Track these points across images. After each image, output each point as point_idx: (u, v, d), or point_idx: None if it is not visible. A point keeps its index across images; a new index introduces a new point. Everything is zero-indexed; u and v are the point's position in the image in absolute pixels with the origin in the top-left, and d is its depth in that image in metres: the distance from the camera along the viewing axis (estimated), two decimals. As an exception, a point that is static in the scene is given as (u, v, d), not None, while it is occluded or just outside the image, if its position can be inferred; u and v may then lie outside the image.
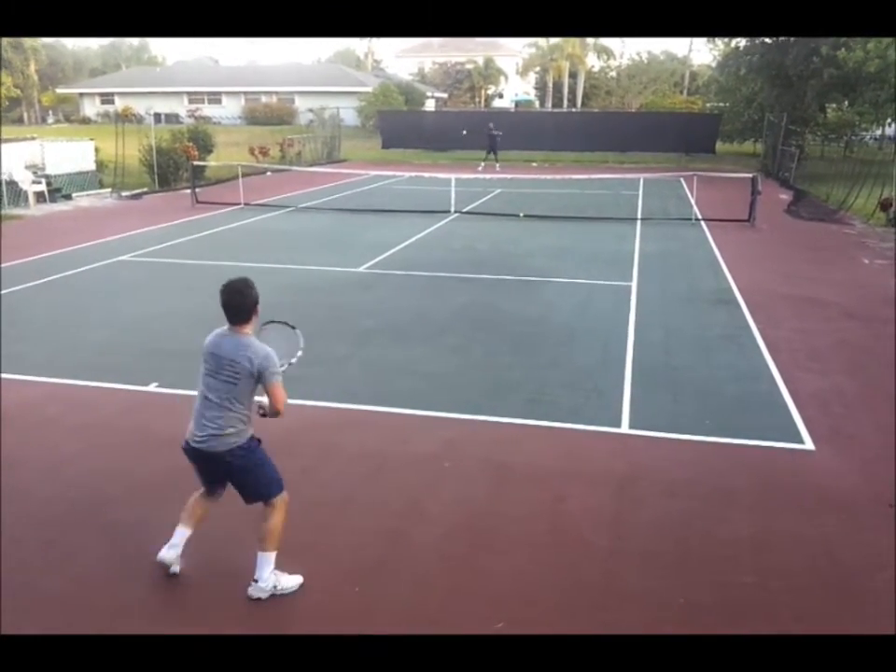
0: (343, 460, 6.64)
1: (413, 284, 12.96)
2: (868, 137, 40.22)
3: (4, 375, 8.34)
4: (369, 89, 57.64)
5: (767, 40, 33.46)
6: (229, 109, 62.19)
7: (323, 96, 52.60)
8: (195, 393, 7.48)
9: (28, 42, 68.27)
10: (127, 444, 6.89)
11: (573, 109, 65.41)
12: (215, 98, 64.40)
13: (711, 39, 40.87)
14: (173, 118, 55.37)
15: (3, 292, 11.86)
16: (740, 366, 9.02)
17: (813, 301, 12.02)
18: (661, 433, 7.13)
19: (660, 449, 6.88)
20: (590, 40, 70.66)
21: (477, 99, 77.10)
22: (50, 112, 71.63)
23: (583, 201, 23.80)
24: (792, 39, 31.41)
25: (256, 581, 4.74)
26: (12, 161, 21.72)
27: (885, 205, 19.95)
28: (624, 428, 7.26)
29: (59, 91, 70.72)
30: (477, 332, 10.20)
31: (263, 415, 4.74)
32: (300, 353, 5.08)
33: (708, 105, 50.72)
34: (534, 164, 37.30)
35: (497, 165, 33.76)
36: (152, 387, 8.13)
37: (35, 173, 22.54)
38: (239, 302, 4.62)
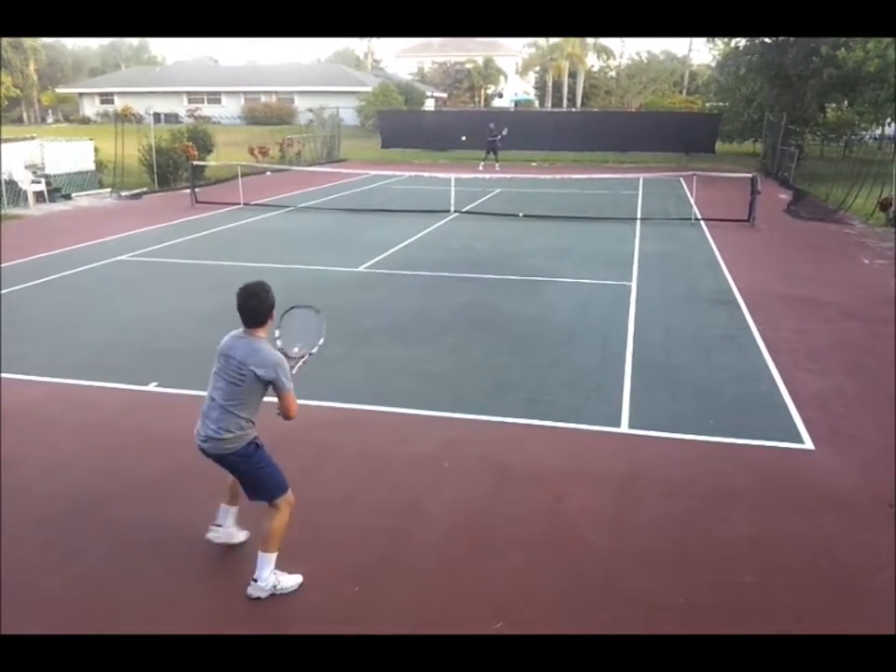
0: (343, 460, 6.64)
1: (413, 283, 12.96)
2: (868, 137, 40.26)
3: (3, 375, 8.34)
4: (368, 88, 57.64)
5: (767, 40, 33.47)
6: (228, 109, 62.18)
7: (323, 96, 52.60)
8: (194, 393, 7.52)
9: (28, 42, 68.26)
10: (126, 444, 6.89)
11: (573, 109, 65.42)
12: (214, 98, 64.40)
13: (711, 39, 40.89)
14: (172, 117, 55.36)
15: (2, 292, 11.86)
16: (740, 366, 9.02)
17: (813, 301, 12.02)
18: (661, 433, 7.13)
19: (660, 449, 6.88)
20: (590, 40, 70.67)
21: (477, 99, 77.10)
22: (50, 112, 71.66)
23: (583, 200, 23.80)
24: (792, 39, 31.43)
25: (255, 581, 4.74)
26: (12, 161, 21.70)
27: (884, 205, 19.95)
28: (624, 428, 7.26)
29: (58, 90, 70.72)
30: (477, 332, 10.20)
31: (279, 414, 4.77)
32: (321, 340, 5.11)
33: (708, 104, 50.71)
34: (533, 164, 37.30)
35: (497, 165, 33.77)
36: (151, 387, 8.12)
37: (34, 172, 22.53)
38: (255, 306, 4.62)
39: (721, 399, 8.01)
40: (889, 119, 34.31)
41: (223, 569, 5.09)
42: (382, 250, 15.47)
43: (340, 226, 19.10)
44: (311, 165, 33.10)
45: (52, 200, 22.67)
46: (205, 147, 28.47)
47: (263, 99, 63.06)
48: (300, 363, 5.05)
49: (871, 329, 10.56)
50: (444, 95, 73.39)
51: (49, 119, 69.39)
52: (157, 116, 42.15)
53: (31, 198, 22.03)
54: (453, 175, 22.57)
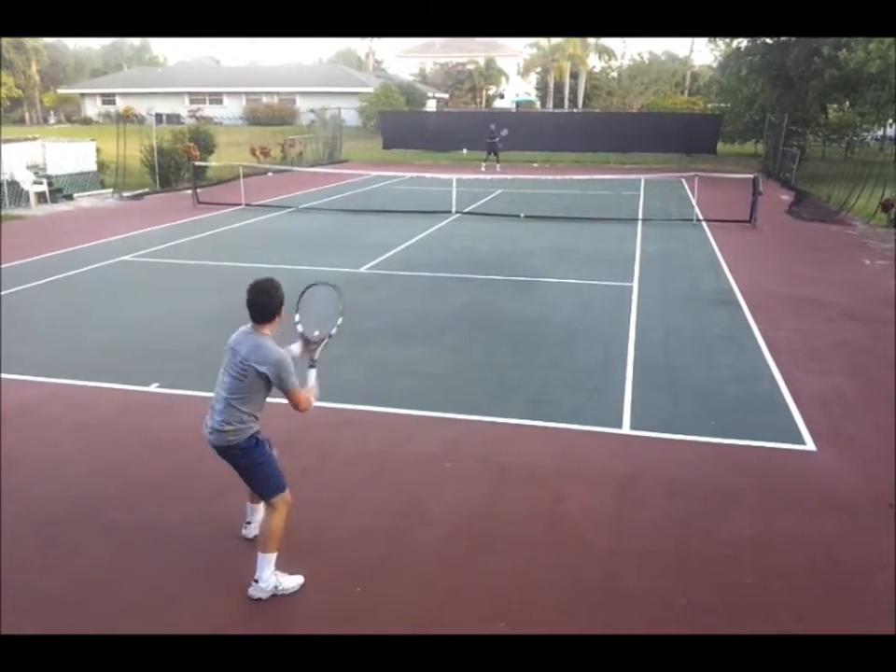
0: (344, 460, 6.64)
1: (415, 284, 12.97)
2: (869, 138, 40.29)
3: (4, 375, 8.35)
4: (370, 89, 57.66)
5: (768, 41, 33.48)
6: (230, 110, 62.23)
7: (324, 97, 52.59)
8: (196, 394, 7.55)
9: (30, 42, 68.38)
10: (127, 444, 6.89)
11: (574, 110, 65.41)
12: (216, 98, 64.44)
13: (712, 40, 40.89)
14: (174, 118, 55.39)
15: (4, 293, 11.87)
16: (741, 366, 9.02)
17: (814, 302, 12.01)
18: (662, 433, 7.13)
19: (660, 449, 6.87)
20: (591, 41, 70.67)
21: (478, 99, 77.11)
22: (52, 112, 71.71)
23: (584, 201, 23.80)
24: (794, 39, 31.43)
25: (256, 582, 4.75)
26: (14, 162, 21.74)
27: (886, 206, 19.94)
28: (625, 429, 7.26)
29: (60, 91, 70.78)
30: (478, 333, 10.20)
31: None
32: (340, 320, 5.14)
33: (710, 105, 50.77)
34: (535, 165, 37.29)
35: (498, 166, 33.78)
36: (153, 388, 8.13)
37: (36, 173, 22.56)
38: (264, 302, 4.67)
39: (722, 399, 8.01)
40: (890, 120, 34.32)
41: (223, 570, 5.09)
42: (383, 251, 15.47)
43: (341, 227, 19.11)
44: (312, 166, 33.11)
45: (54, 200, 22.70)
46: (207, 147, 28.49)
47: (265, 100, 63.10)
48: (321, 346, 5.07)
49: (871, 329, 10.55)
50: (446, 96, 73.42)
51: (51, 120, 69.44)
52: (158, 116, 42.17)
53: (33, 198, 22.06)
54: (454, 176, 22.57)
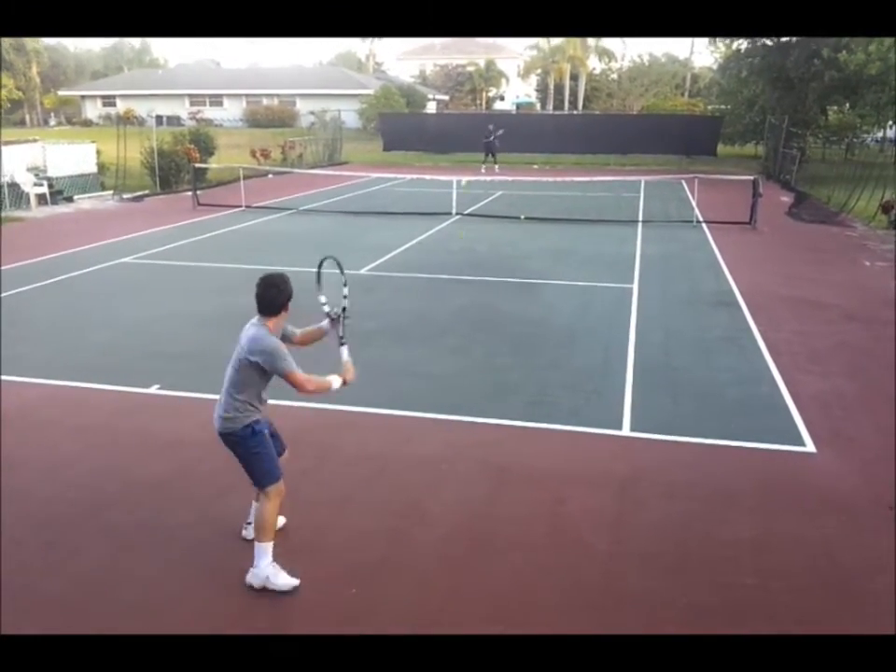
0: (344, 461, 6.64)
1: (415, 286, 12.97)
2: (869, 140, 40.28)
3: (4, 377, 8.35)
4: (370, 91, 57.67)
5: (768, 42, 33.51)
6: (230, 112, 62.27)
7: (324, 98, 52.60)
8: (196, 395, 7.56)
9: (30, 44, 68.45)
10: (127, 446, 6.89)
11: (574, 111, 65.48)
12: (216, 100, 64.48)
13: (713, 41, 40.90)
14: (174, 120, 55.45)
15: (4, 294, 11.87)
16: (741, 368, 9.02)
17: (814, 304, 12.02)
18: (662, 435, 7.12)
19: (661, 451, 6.87)
20: (591, 42, 70.72)
21: (478, 101, 77.16)
22: (52, 114, 71.76)
23: (584, 203, 23.81)
24: (794, 41, 31.46)
25: (253, 568, 4.89)
26: (14, 163, 21.76)
27: (886, 208, 19.95)
28: (625, 430, 7.25)
29: (61, 93, 70.83)
30: (478, 334, 10.20)
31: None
32: (346, 290, 5.11)
33: (710, 107, 50.75)
34: (535, 167, 37.30)
35: (496, 167, 33.79)
36: (153, 389, 8.12)
37: (36, 175, 22.58)
38: (273, 296, 4.78)
39: (722, 401, 8.01)
40: (890, 122, 34.29)
41: (223, 571, 5.09)
42: (384, 253, 15.48)
43: (341, 228, 19.12)
44: (312, 168, 33.11)
45: (54, 202, 22.72)
46: (207, 149, 28.50)
47: (265, 101, 63.12)
48: (342, 324, 5.10)
49: (871, 330, 10.55)
50: (446, 98, 73.46)
51: (52, 122, 69.48)
52: (159, 118, 42.14)
53: (33, 200, 22.08)
54: (454, 178, 22.57)
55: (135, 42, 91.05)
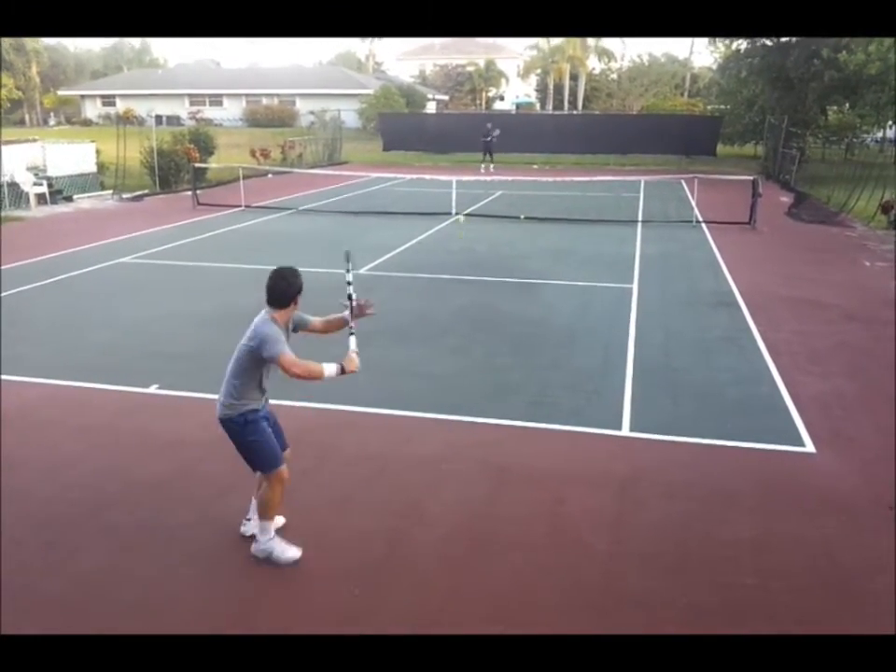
0: (344, 461, 6.64)
1: (415, 286, 12.97)
2: (869, 140, 40.29)
3: (4, 377, 8.35)
4: (370, 91, 57.67)
5: (768, 42, 33.52)
6: (230, 111, 62.26)
7: (324, 98, 52.61)
8: (196, 395, 7.56)
9: (30, 44, 68.43)
10: (127, 446, 6.89)
11: (574, 112, 65.48)
12: (216, 100, 64.47)
13: (712, 41, 40.90)
14: (174, 120, 55.46)
15: (4, 294, 11.87)
16: (741, 368, 9.02)
17: (813, 304, 12.02)
18: (661, 435, 7.12)
19: (660, 451, 6.87)
20: (591, 42, 70.71)
21: (478, 101, 77.17)
22: (52, 114, 71.73)
23: (584, 203, 23.80)
24: (794, 41, 31.46)
25: (256, 541, 5.09)
26: (14, 163, 21.77)
27: (886, 208, 19.96)
28: (625, 430, 7.25)
29: (60, 93, 70.81)
30: (478, 334, 10.20)
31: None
32: (350, 276, 5.20)
33: (709, 107, 50.77)
34: (535, 167, 37.31)
35: (492, 167, 33.80)
36: (152, 389, 8.12)
37: (36, 174, 22.58)
38: (283, 289, 4.88)
39: (721, 401, 8.01)
40: (890, 122, 34.30)
41: (223, 571, 5.09)
42: (383, 252, 15.47)
43: (341, 228, 19.13)
44: (312, 168, 33.11)
45: (54, 202, 22.72)
46: (207, 149, 28.50)
47: (265, 101, 63.10)
48: (349, 312, 5.18)
49: (871, 331, 10.56)
50: (446, 98, 73.46)
51: (51, 122, 69.45)
52: (158, 118, 42.14)
53: (32, 200, 22.08)
54: (454, 178, 22.58)
55: (135, 42, 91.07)
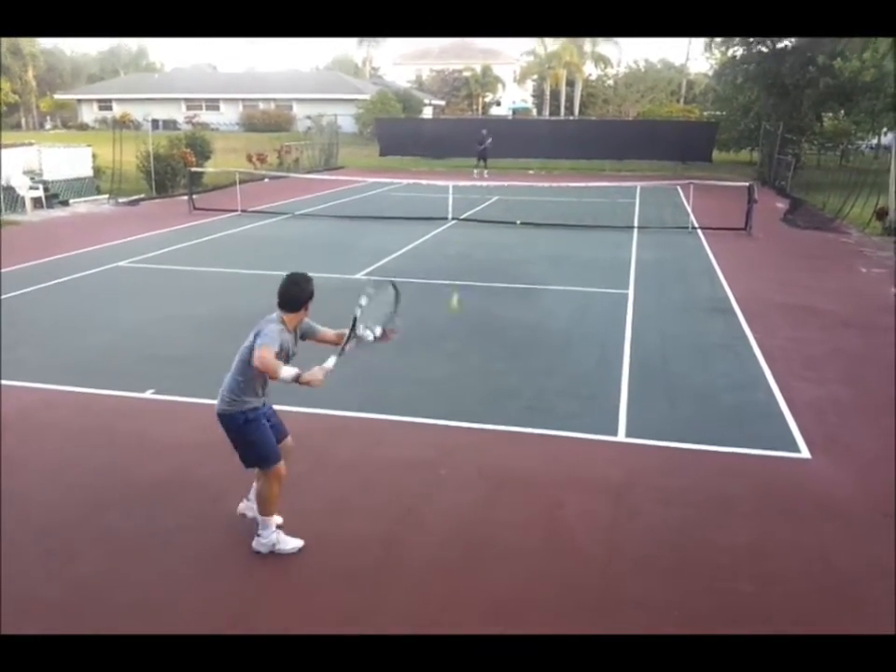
0: (340, 466, 6.64)
1: (411, 290, 12.88)
2: (864, 146, 40.36)
3: (4, 381, 8.33)
4: (366, 96, 57.62)
5: (764, 49, 33.62)
6: (226, 116, 62.15)
7: (321, 103, 52.62)
8: (192, 399, 7.55)
9: (27, 48, 68.30)
10: (125, 450, 6.89)
11: (570, 117, 65.55)
12: (212, 105, 64.37)
13: (709, 47, 40.97)
14: (170, 124, 55.33)
15: (0, 298, 11.85)
16: (736, 374, 9.04)
17: (809, 310, 12.05)
18: (657, 441, 7.14)
19: (656, 457, 6.89)
20: (587, 48, 70.86)
21: (474, 106, 77.19)
22: (48, 118, 71.59)
23: (580, 208, 23.84)
24: (789, 48, 31.55)
25: (258, 535, 5.17)
26: (10, 167, 21.74)
27: (881, 214, 20.04)
28: (621, 436, 7.26)
29: (57, 96, 70.66)
30: (474, 339, 10.21)
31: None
32: (358, 311, 5.12)
33: (705, 113, 50.78)
34: (531, 172, 37.36)
35: (486, 172, 33.86)
36: (148, 394, 8.11)
37: (32, 178, 22.56)
38: (295, 293, 4.96)
39: (717, 407, 8.03)
40: (885, 129, 34.39)
41: (222, 574, 5.09)
42: (380, 257, 15.49)
43: (338, 233, 19.13)
44: (309, 172, 33.13)
45: (50, 206, 22.69)
46: (203, 153, 28.51)
47: (261, 106, 63.03)
48: (350, 336, 5.14)
49: (867, 337, 10.59)
50: (442, 103, 73.46)
51: (48, 125, 69.30)
52: (155, 122, 42.05)
53: (28, 204, 22.04)
54: (451, 183, 22.60)
55: (132, 45, 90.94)
